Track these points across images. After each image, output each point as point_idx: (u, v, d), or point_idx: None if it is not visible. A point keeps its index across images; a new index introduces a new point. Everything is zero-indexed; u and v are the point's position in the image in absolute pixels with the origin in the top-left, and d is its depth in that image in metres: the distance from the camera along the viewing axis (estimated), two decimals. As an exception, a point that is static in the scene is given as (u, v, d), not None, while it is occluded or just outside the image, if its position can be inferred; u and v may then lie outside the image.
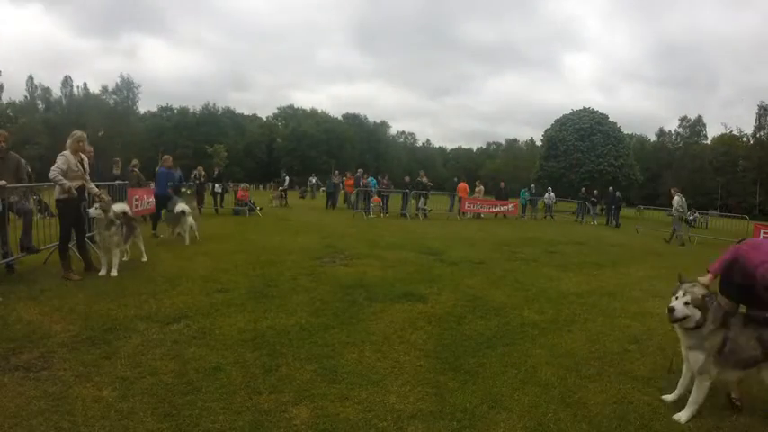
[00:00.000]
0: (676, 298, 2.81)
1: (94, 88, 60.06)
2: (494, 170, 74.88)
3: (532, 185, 23.97)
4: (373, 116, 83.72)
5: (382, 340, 3.82)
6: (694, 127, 67.91)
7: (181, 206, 8.66)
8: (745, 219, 16.82)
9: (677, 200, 13.58)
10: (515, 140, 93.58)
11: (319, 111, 78.45)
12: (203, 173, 15.91)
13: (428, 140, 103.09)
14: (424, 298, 5.19)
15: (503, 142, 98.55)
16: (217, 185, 16.08)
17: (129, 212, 6.40)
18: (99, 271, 5.59)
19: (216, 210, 15.43)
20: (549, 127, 42.03)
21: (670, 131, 70.81)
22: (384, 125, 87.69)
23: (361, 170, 21.53)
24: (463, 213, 18.53)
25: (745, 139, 61.12)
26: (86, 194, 5.66)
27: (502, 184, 22.06)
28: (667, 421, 2.76)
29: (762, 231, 14.07)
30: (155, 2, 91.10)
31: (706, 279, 3.05)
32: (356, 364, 3.31)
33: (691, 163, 61.13)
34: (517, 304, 5.19)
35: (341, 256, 7.68)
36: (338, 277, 6.03)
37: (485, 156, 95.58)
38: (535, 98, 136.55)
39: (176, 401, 2.65)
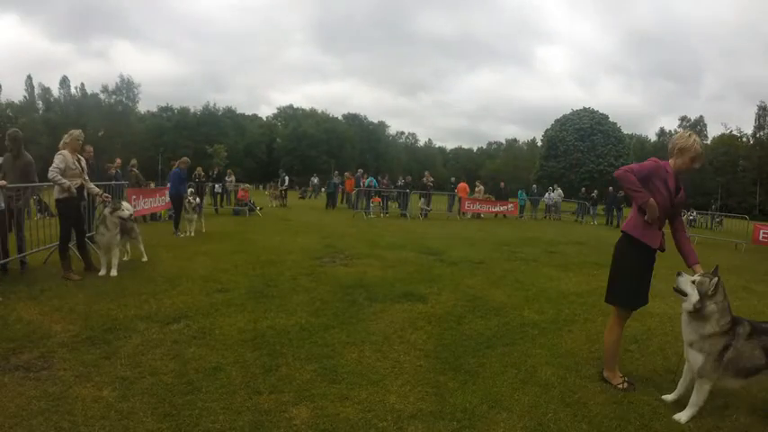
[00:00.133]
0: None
1: (89, 89, 59.97)
2: (494, 170, 74.75)
3: (534, 186, 24.00)
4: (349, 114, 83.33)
5: (382, 340, 3.82)
6: (695, 127, 67.85)
7: (198, 199, 9.98)
8: (746, 219, 16.80)
9: None
10: (515, 140, 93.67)
11: (319, 111, 78.57)
12: (203, 173, 16.00)
13: (429, 140, 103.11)
14: (424, 298, 5.19)
15: (498, 141, 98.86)
16: (217, 185, 16.10)
17: (131, 213, 6.42)
18: (99, 271, 5.59)
19: (216, 210, 15.43)
20: (548, 127, 42.20)
21: (670, 131, 70.84)
22: (383, 125, 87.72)
23: (361, 170, 21.56)
24: (463, 213, 18.54)
25: (744, 139, 61.11)
26: (85, 194, 5.67)
27: (502, 184, 22.09)
28: (667, 421, 2.75)
29: (761, 231, 14.09)
30: (120, 7, 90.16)
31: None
32: (356, 364, 3.31)
33: (691, 163, 61.04)
34: (517, 304, 5.19)
35: (341, 256, 7.68)
36: (338, 277, 6.02)
37: (485, 156, 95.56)
38: (515, 95, 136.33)
39: (176, 401, 2.65)
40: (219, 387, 2.85)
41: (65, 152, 5.35)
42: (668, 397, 3.02)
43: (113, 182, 8.76)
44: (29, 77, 56.93)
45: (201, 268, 6.15)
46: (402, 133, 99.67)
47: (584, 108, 40.49)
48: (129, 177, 11.45)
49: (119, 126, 56.38)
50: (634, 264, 3.12)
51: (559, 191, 22.98)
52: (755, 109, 59.34)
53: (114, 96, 60.77)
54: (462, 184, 20.14)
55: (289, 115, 78.80)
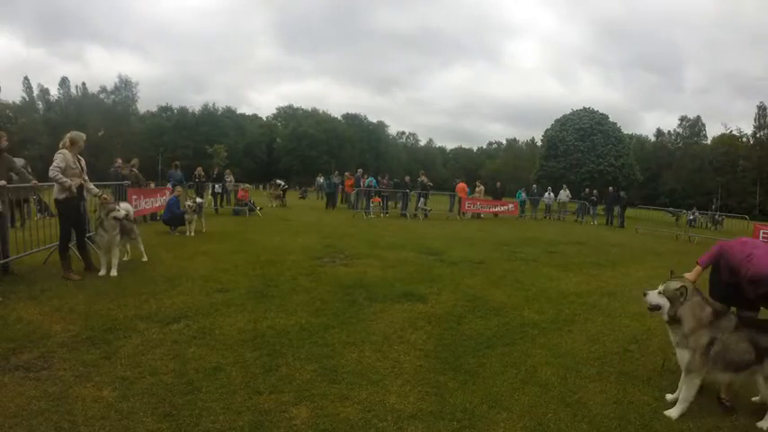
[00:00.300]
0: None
1: (90, 89, 59.83)
2: (494, 170, 74.75)
3: (534, 186, 24.00)
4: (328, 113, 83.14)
5: (382, 340, 3.82)
6: (694, 127, 67.92)
7: (199, 200, 10.22)
8: (745, 219, 16.80)
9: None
10: (515, 140, 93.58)
11: (320, 111, 78.52)
12: (203, 173, 16.03)
13: (430, 140, 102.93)
14: (424, 298, 5.19)
15: (498, 141, 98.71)
16: (217, 185, 16.09)
17: (132, 213, 6.45)
18: (99, 271, 5.59)
19: (216, 210, 15.43)
20: (549, 127, 42.14)
21: (669, 131, 70.89)
22: (383, 125, 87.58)
23: (360, 170, 21.54)
24: (463, 213, 18.54)
25: (744, 139, 61.11)
26: (85, 194, 5.67)
27: (498, 183, 22.21)
28: (667, 421, 2.76)
29: (762, 231, 14.08)
30: (87, 11, 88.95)
31: (693, 273, 3.12)
32: (356, 364, 3.31)
33: (690, 163, 61.15)
34: (517, 304, 5.19)
35: (341, 256, 7.68)
36: (338, 277, 6.03)
37: (485, 156, 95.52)
38: (496, 92, 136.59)
39: (176, 401, 2.65)
40: (219, 387, 2.85)
41: (65, 151, 5.34)
42: (670, 396, 3.03)
43: (126, 182, 8.75)
44: (26, 79, 57.09)
45: (201, 268, 6.15)
46: (402, 133, 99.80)
47: (584, 108, 40.39)
48: (129, 177, 11.44)
49: (119, 126, 56.42)
50: None
51: (567, 192, 23.16)
52: (748, 105, 59.41)
53: (113, 96, 60.82)
54: (461, 185, 20.14)
55: (288, 115, 78.80)
